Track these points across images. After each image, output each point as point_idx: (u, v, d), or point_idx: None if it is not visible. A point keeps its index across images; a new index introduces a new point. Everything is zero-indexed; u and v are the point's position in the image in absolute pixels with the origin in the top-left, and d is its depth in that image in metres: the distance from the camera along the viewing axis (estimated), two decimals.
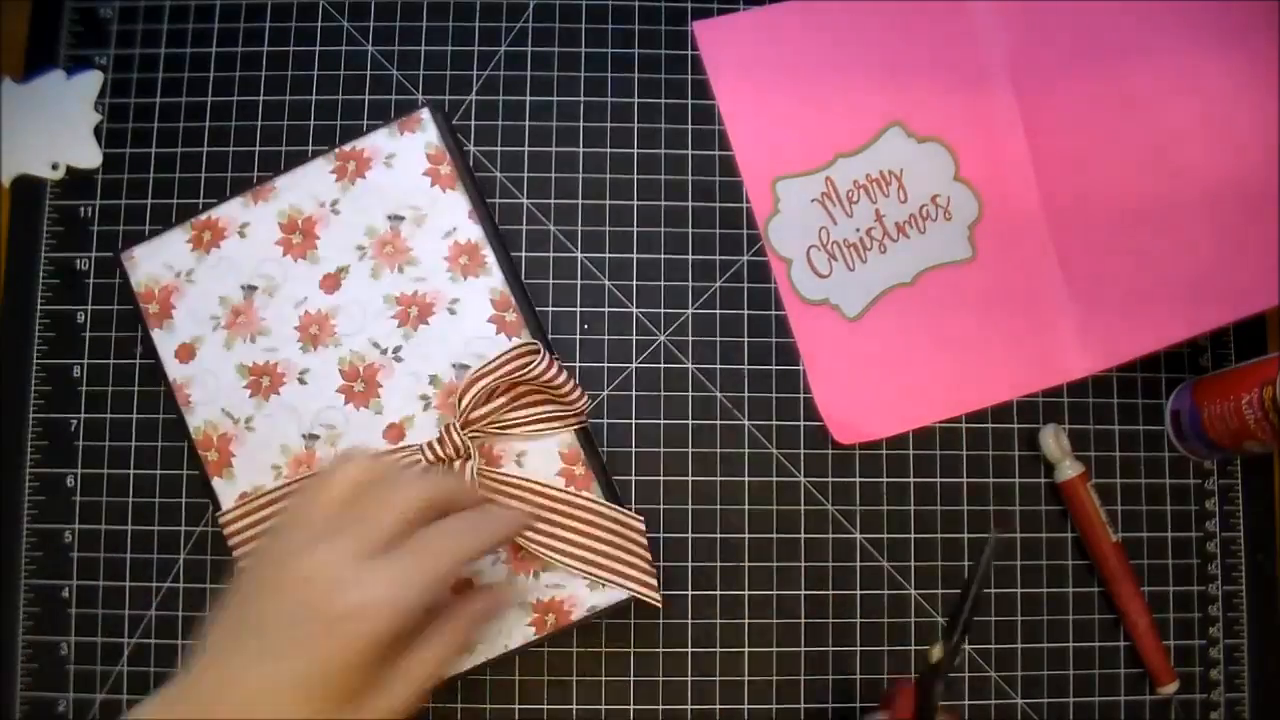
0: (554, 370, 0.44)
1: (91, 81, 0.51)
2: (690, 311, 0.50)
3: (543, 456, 0.46)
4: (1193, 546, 0.50)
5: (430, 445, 0.44)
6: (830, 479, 0.49)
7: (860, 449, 0.50)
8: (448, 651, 0.35)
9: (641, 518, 0.45)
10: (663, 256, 0.50)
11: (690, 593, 0.48)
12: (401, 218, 0.47)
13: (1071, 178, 0.49)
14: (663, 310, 0.50)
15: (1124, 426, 0.50)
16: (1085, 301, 0.49)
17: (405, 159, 0.47)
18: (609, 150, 0.51)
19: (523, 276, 0.48)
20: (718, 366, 0.50)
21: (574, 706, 0.48)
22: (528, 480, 0.45)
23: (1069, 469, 0.48)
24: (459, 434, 0.44)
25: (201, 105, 0.51)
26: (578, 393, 0.45)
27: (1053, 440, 0.49)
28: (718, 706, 0.48)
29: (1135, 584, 0.48)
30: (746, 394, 0.50)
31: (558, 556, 0.44)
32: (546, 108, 0.51)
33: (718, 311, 0.50)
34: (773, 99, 0.51)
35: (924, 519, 0.49)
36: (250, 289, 0.47)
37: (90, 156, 0.51)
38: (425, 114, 0.48)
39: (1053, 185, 0.50)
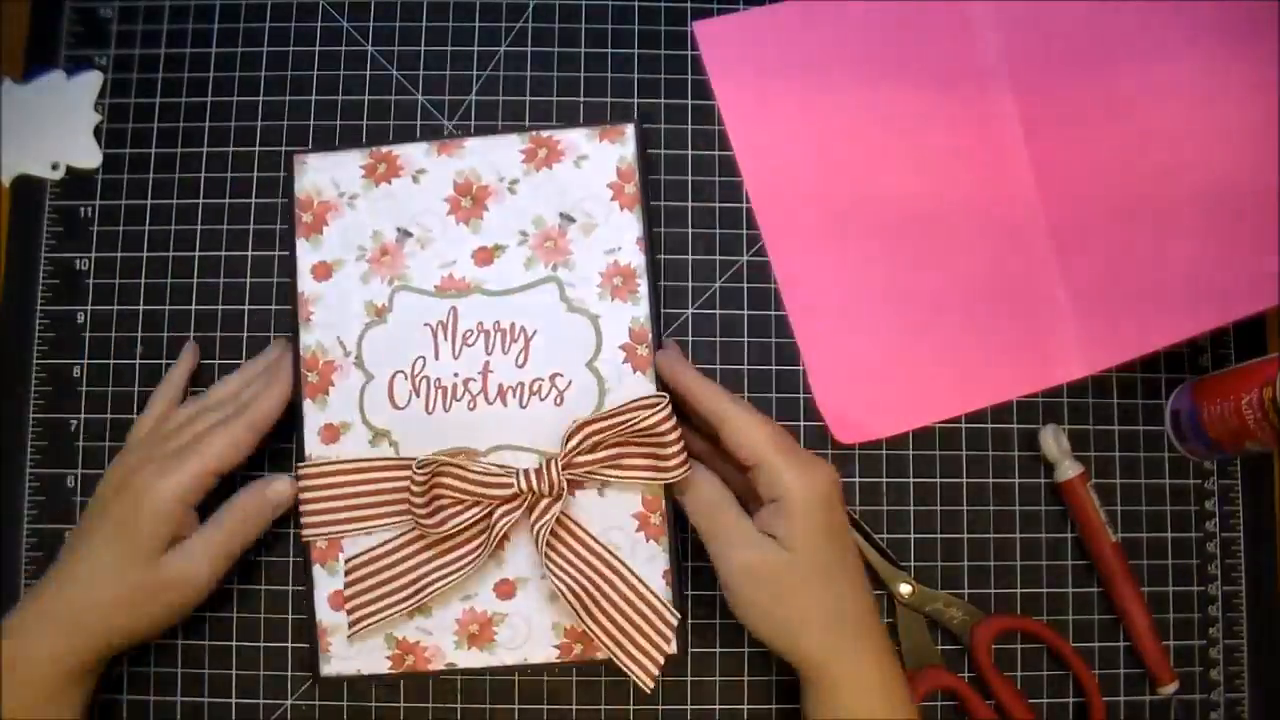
0: (669, 424, 0.42)
1: (91, 81, 0.51)
2: (690, 311, 0.50)
3: (625, 494, 0.45)
4: (1193, 546, 0.50)
5: (526, 474, 0.43)
6: None
7: (860, 449, 0.50)
8: (222, 533, 0.44)
9: (678, 615, 0.44)
10: (663, 257, 0.50)
11: (690, 592, 0.48)
12: (573, 219, 0.47)
13: (1070, 178, 0.50)
14: (663, 310, 0.50)
15: (1124, 426, 0.50)
16: (1084, 301, 0.49)
17: (596, 164, 0.47)
18: None
19: None
20: (718, 367, 0.50)
21: (573, 707, 0.48)
22: (591, 540, 0.44)
23: (1069, 469, 0.48)
24: (558, 472, 0.43)
25: (201, 105, 0.51)
26: (682, 457, 0.43)
27: (1053, 440, 0.49)
28: (718, 707, 0.48)
29: (1135, 584, 0.48)
30: (746, 394, 0.50)
31: (586, 619, 0.43)
32: (546, 108, 0.51)
33: (718, 311, 0.50)
34: (773, 99, 0.51)
35: (924, 519, 0.49)
36: (405, 234, 0.47)
37: (90, 156, 0.51)
38: (630, 129, 0.47)
39: (1051, 185, 0.50)
